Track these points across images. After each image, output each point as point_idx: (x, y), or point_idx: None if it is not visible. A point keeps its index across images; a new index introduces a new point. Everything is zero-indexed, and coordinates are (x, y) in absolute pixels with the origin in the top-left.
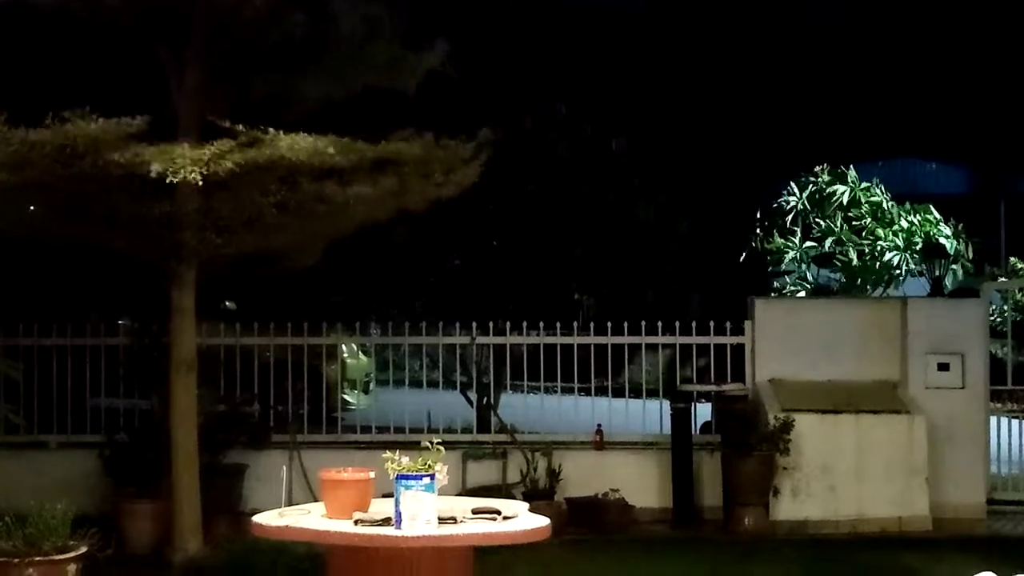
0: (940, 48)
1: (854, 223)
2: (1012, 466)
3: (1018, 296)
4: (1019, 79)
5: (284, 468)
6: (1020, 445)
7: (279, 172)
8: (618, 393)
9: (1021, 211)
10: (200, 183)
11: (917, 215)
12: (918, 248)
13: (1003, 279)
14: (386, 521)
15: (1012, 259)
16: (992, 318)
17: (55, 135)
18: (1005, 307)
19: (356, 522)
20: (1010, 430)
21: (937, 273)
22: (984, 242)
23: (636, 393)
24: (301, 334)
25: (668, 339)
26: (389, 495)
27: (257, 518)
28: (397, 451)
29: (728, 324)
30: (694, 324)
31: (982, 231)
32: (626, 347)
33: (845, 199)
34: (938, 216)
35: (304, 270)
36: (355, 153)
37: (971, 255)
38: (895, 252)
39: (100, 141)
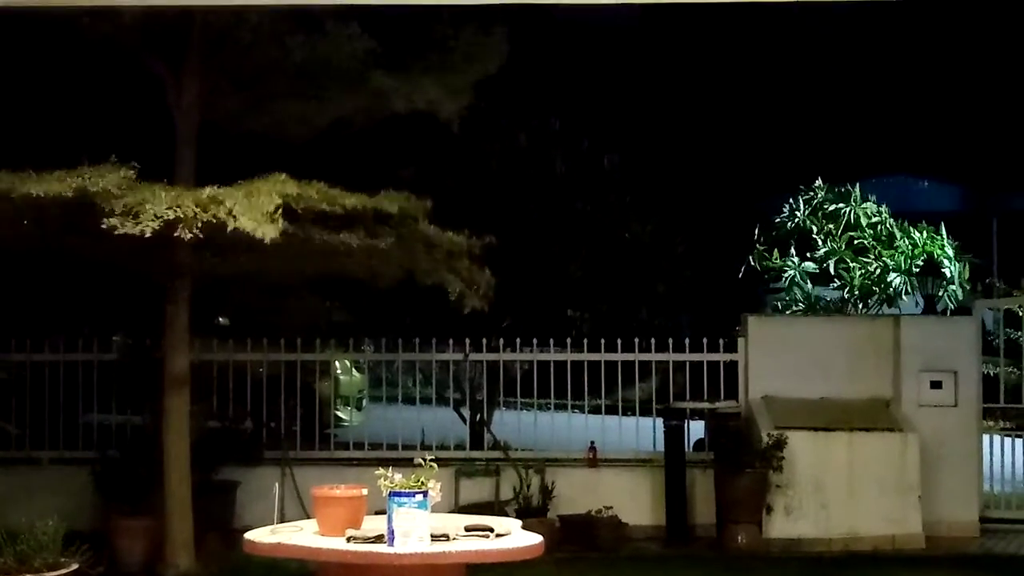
0: (933, 65)
1: (855, 243)
2: (1005, 484)
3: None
4: (1011, 97)
5: (276, 485)
6: (1013, 463)
7: None
8: (612, 410)
9: (1013, 229)
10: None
11: (923, 233)
12: (918, 268)
13: (1011, 295)
14: (379, 538)
15: (998, 284)
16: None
17: (62, 187)
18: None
19: (349, 539)
20: (1003, 448)
21: (930, 291)
22: (978, 261)
23: (630, 410)
24: (294, 350)
25: (662, 356)
26: (382, 512)
27: (249, 535)
28: (390, 468)
29: (722, 341)
30: (687, 341)
31: (974, 249)
32: (619, 364)
33: (852, 218)
34: (944, 237)
35: (298, 286)
36: (339, 205)
37: (967, 275)
38: (897, 273)
39: (104, 193)
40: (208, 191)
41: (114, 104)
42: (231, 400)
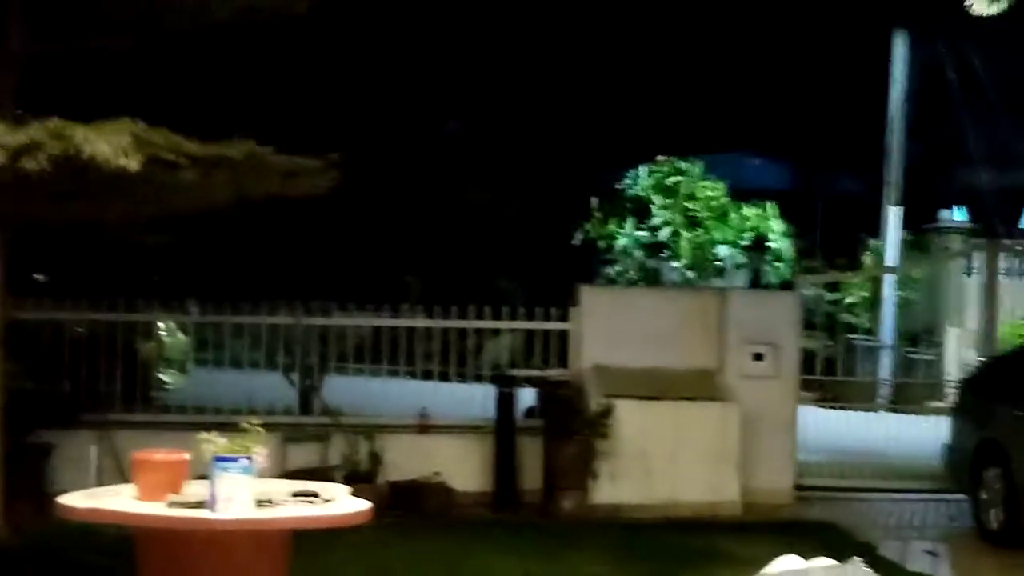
0: (771, 46)
1: (689, 214)
2: (818, 453)
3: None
4: (833, 80)
5: (94, 448)
6: (827, 433)
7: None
8: (445, 377)
9: (837, 208)
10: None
11: (755, 210)
12: (747, 243)
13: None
14: (201, 504)
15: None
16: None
17: None
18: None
19: (169, 504)
20: (818, 419)
21: (757, 267)
22: (801, 241)
23: (463, 377)
24: (116, 310)
25: (496, 324)
26: (206, 477)
27: (64, 499)
28: (214, 432)
29: (555, 310)
30: (522, 309)
31: (802, 227)
32: (454, 331)
33: (690, 191)
34: (773, 214)
35: (122, 244)
36: (179, 151)
37: (792, 252)
38: (725, 246)
39: None
40: (56, 122)
41: None
42: (48, 360)
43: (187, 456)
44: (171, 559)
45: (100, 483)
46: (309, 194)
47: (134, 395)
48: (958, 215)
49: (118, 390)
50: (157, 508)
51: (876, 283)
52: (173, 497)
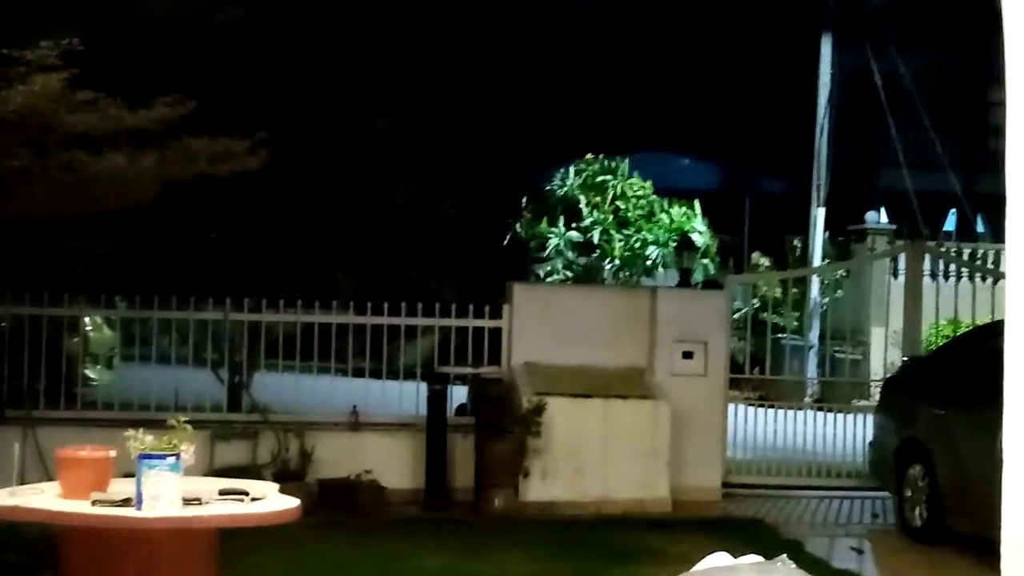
0: (700, 47)
1: (620, 214)
2: (746, 451)
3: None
4: (763, 82)
5: (17, 445)
6: (755, 431)
7: (28, 132)
8: (377, 374)
9: (764, 209)
10: None
11: (680, 208)
12: (675, 242)
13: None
14: (126, 502)
15: (755, 254)
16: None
17: None
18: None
19: (94, 502)
20: (746, 417)
21: (686, 265)
22: (728, 238)
23: (396, 374)
24: (40, 304)
25: (428, 321)
26: (133, 475)
27: None
28: (140, 429)
29: (487, 308)
30: (454, 307)
31: (729, 226)
32: (385, 328)
33: (618, 191)
34: (697, 213)
35: (47, 237)
36: (110, 115)
37: (715, 249)
38: (655, 247)
39: None
40: None
41: None
42: None
43: (113, 453)
44: (95, 558)
45: (23, 480)
46: (237, 173)
47: (59, 391)
48: (884, 217)
49: (42, 386)
50: (81, 506)
51: (802, 283)
52: (98, 495)
